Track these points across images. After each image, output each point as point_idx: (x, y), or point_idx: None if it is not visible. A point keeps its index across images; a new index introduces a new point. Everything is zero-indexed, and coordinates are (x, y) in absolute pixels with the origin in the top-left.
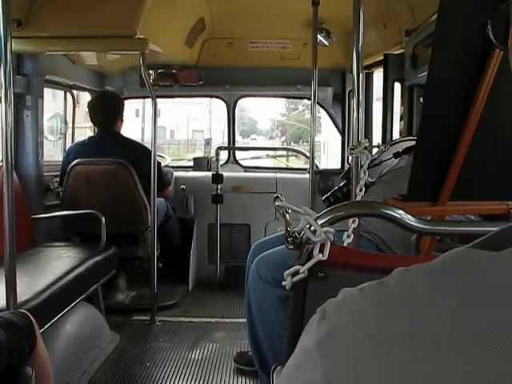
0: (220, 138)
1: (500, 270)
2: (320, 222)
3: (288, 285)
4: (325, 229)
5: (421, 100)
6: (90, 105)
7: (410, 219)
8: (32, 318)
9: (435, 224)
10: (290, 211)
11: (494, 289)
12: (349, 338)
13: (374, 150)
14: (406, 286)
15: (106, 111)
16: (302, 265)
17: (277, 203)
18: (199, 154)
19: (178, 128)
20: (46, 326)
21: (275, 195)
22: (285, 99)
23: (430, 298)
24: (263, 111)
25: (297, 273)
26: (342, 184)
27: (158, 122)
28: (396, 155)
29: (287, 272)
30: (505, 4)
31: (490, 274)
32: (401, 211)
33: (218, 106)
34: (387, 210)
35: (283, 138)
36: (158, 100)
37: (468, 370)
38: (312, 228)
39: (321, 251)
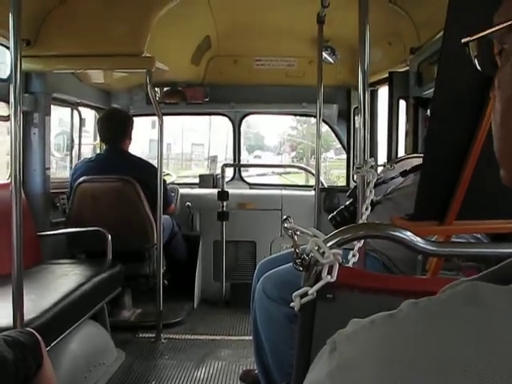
0: (221, 153)
1: (509, 305)
2: (328, 243)
3: (297, 306)
4: (333, 251)
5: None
6: (99, 122)
7: (418, 241)
8: (38, 336)
9: (443, 246)
10: (298, 233)
11: (503, 325)
12: (362, 371)
13: (380, 169)
14: (416, 321)
15: (115, 128)
16: (311, 286)
17: (286, 225)
18: (197, 170)
19: (175, 141)
20: (52, 344)
21: (284, 217)
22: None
23: (440, 334)
24: (271, 126)
25: (305, 294)
26: (348, 203)
27: (151, 134)
28: (403, 174)
29: (296, 294)
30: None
31: (499, 310)
32: (409, 233)
33: (220, 118)
34: (395, 232)
35: (293, 154)
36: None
37: None
38: (321, 250)
39: (329, 273)
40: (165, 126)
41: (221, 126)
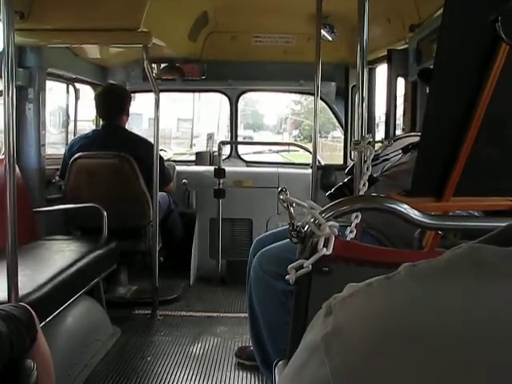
0: (211, 130)
1: (510, 266)
2: (325, 216)
3: (292, 279)
4: (330, 223)
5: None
6: (97, 97)
7: (414, 214)
8: (32, 311)
9: (440, 219)
10: (294, 205)
11: (504, 287)
12: (357, 333)
13: (377, 145)
14: (414, 284)
15: (112, 105)
16: (306, 259)
17: (281, 197)
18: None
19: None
20: (48, 320)
21: (280, 188)
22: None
23: (440, 294)
24: (270, 104)
25: (301, 267)
26: (347, 179)
27: (134, 108)
28: (405, 150)
29: (291, 266)
30: None
31: (499, 271)
32: (405, 205)
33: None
34: (392, 204)
35: (296, 132)
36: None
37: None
38: (316, 222)
39: (325, 245)
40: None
41: (211, 99)
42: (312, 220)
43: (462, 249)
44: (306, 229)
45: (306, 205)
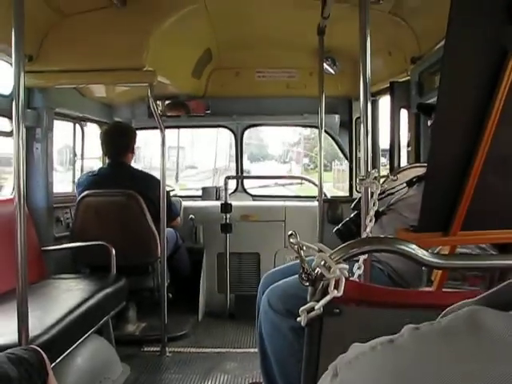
0: (210, 163)
1: (510, 333)
2: (334, 258)
3: (303, 321)
4: (339, 265)
5: (428, 123)
6: (102, 136)
7: (424, 254)
8: (43, 353)
9: (448, 258)
10: (304, 248)
11: (504, 356)
12: None
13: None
14: (417, 349)
15: (118, 142)
16: (317, 301)
17: (292, 240)
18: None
19: (146, 144)
20: (58, 361)
21: (289, 232)
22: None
23: (441, 361)
24: (275, 135)
25: (312, 309)
26: (353, 215)
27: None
28: (409, 183)
29: (302, 309)
30: None
31: (500, 339)
32: (414, 246)
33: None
34: (401, 245)
35: (305, 161)
36: None
37: None
38: (327, 264)
39: (335, 287)
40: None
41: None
42: (322, 263)
43: (463, 313)
44: (316, 271)
45: (316, 248)
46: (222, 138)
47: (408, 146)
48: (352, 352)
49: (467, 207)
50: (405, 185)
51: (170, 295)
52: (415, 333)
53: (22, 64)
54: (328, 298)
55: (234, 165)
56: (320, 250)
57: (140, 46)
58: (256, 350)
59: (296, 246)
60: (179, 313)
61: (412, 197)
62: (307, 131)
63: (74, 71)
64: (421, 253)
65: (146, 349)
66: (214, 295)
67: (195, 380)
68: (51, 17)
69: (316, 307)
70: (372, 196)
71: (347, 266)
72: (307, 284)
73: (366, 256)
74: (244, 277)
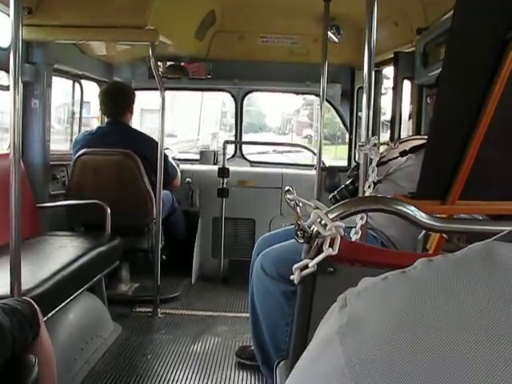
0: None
1: None
2: (330, 216)
3: (296, 279)
4: (335, 223)
5: (428, 100)
6: (101, 95)
7: (422, 216)
8: (36, 305)
9: (447, 221)
10: (300, 204)
11: None
12: (373, 324)
13: (382, 148)
14: (429, 278)
15: (117, 102)
16: (312, 259)
17: (288, 196)
18: None
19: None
20: (49, 315)
21: (286, 188)
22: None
23: (457, 289)
24: (275, 103)
25: (306, 267)
26: (348, 182)
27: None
28: (402, 154)
29: (296, 266)
30: None
31: None
32: (412, 207)
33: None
34: (398, 205)
35: (306, 132)
36: None
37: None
38: (322, 222)
39: (331, 246)
40: None
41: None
42: (318, 220)
43: (478, 245)
44: (311, 229)
45: (312, 204)
46: (211, 104)
47: (409, 118)
48: (362, 284)
49: (466, 177)
50: (398, 155)
51: (164, 257)
52: (428, 264)
53: (20, 15)
54: (323, 255)
55: (223, 134)
56: (316, 207)
57: (143, 3)
58: (247, 314)
59: (292, 202)
60: (172, 275)
61: (410, 166)
62: (311, 97)
63: (74, 26)
64: (419, 214)
65: (137, 309)
66: (208, 259)
67: (185, 342)
68: None
69: (310, 264)
70: (371, 163)
71: (343, 225)
72: (302, 241)
73: (363, 221)
74: (238, 242)
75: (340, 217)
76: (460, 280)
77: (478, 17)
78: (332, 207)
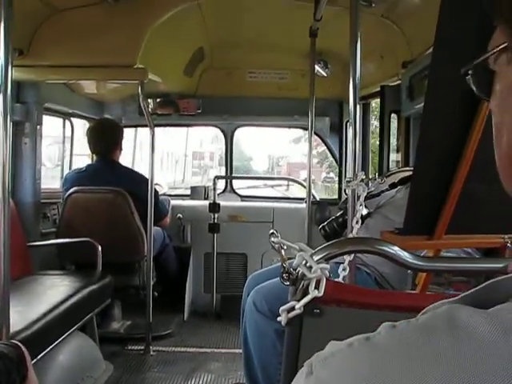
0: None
1: (488, 331)
2: (316, 257)
3: (284, 321)
4: (320, 265)
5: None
6: (89, 132)
7: (405, 256)
8: (24, 348)
9: (430, 261)
10: (285, 247)
11: (482, 352)
12: None
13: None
14: (394, 346)
15: (105, 139)
16: (298, 301)
17: (272, 239)
18: None
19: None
20: (39, 357)
21: (270, 231)
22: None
23: (421, 358)
24: (262, 145)
25: (292, 309)
26: (338, 214)
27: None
28: (392, 186)
29: (283, 308)
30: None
31: (476, 338)
32: (396, 247)
33: None
34: (382, 246)
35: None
36: None
37: None
38: (308, 264)
39: (316, 287)
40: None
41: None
42: (303, 262)
43: (441, 311)
44: (297, 271)
45: (297, 247)
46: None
47: (397, 150)
48: (328, 349)
49: (452, 211)
50: (388, 187)
51: (156, 294)
52: (392, 330)
53: (10, 57)
54: (308, 297)
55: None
56: (301, 250)
57: (132, 43)
58: (241, 350)
59: (277, 245)
60: (165, 312)
61: (400, 199)
62: (299, 133)
63: (64, 66)
64: (402, 254)
65: (130, 347)
66: (200, 295)
67: (179, 380)
68: (43, 11)
69: (296, 307)
70: (359, 198)
71: (328, 266)
72: (287, 284)
73: (351, 258)
74: (231, 277)
75: (325, 258)
76: (424, 347)
77: (456, 49)
78: (317, 249)
